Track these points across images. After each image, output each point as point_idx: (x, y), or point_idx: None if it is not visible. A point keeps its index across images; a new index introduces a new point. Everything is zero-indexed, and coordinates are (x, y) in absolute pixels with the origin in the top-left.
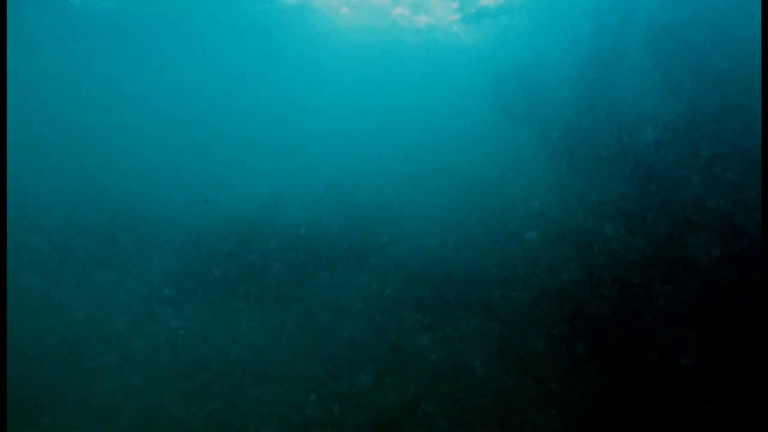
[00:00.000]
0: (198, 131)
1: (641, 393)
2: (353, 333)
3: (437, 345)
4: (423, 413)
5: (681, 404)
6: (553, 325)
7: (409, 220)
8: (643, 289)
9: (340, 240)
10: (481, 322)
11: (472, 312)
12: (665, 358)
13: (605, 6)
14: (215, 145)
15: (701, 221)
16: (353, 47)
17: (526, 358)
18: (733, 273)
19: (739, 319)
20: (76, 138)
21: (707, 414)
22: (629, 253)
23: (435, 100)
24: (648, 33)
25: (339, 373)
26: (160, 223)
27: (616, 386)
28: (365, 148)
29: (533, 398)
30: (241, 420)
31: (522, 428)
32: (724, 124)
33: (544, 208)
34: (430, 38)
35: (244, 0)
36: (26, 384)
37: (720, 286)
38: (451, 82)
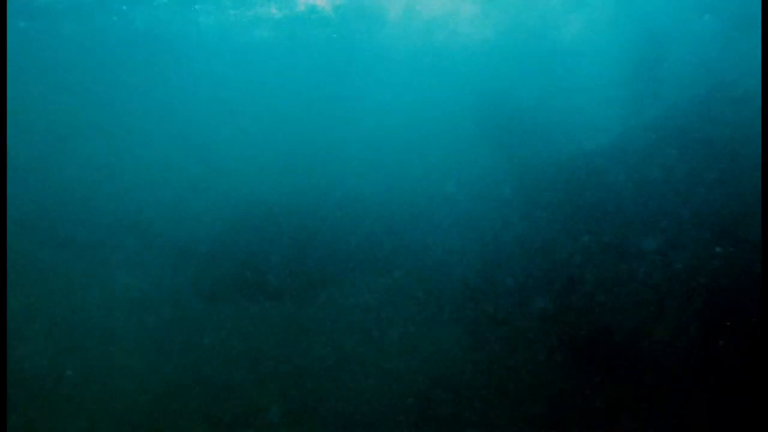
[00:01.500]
0: (199, 134)
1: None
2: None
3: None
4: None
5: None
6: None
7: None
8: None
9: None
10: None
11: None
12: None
13: None
14: (216, 146)
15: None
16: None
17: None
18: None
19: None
20: (79, 139)
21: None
22: (601, 263)
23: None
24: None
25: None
26: (160, 223)
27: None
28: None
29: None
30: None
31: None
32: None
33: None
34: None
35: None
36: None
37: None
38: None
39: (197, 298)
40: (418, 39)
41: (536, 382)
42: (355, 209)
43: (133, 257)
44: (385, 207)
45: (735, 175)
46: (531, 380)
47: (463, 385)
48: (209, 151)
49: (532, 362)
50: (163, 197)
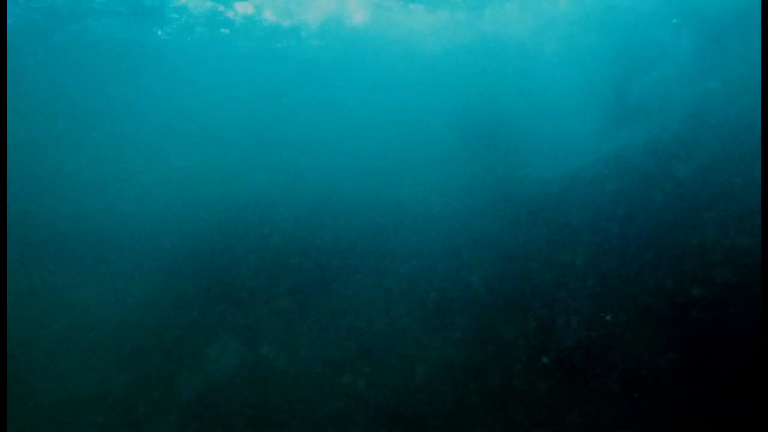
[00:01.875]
0: (196, 137)
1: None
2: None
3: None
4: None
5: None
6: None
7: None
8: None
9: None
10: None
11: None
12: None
13: None
14: (209, 149)
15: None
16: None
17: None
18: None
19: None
20: (75, 145)
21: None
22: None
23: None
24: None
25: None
26: (153, 227)
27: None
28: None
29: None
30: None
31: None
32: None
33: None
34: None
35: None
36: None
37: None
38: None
39: (186, 302)
40: (395, 52)
41: (531, 386)
42: (328, 213)
43: (121, 262)
44: (360, 210)
45: (690, 211)
46: (522, 385)
47: (453, 391)
48: (188, 154)
49: (517, 369)
50: (146, 202)
